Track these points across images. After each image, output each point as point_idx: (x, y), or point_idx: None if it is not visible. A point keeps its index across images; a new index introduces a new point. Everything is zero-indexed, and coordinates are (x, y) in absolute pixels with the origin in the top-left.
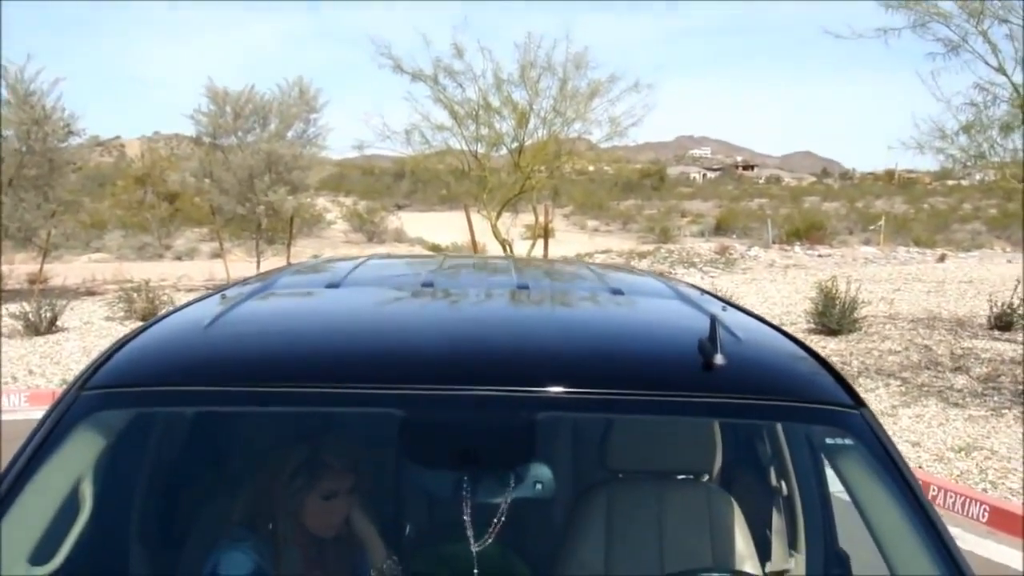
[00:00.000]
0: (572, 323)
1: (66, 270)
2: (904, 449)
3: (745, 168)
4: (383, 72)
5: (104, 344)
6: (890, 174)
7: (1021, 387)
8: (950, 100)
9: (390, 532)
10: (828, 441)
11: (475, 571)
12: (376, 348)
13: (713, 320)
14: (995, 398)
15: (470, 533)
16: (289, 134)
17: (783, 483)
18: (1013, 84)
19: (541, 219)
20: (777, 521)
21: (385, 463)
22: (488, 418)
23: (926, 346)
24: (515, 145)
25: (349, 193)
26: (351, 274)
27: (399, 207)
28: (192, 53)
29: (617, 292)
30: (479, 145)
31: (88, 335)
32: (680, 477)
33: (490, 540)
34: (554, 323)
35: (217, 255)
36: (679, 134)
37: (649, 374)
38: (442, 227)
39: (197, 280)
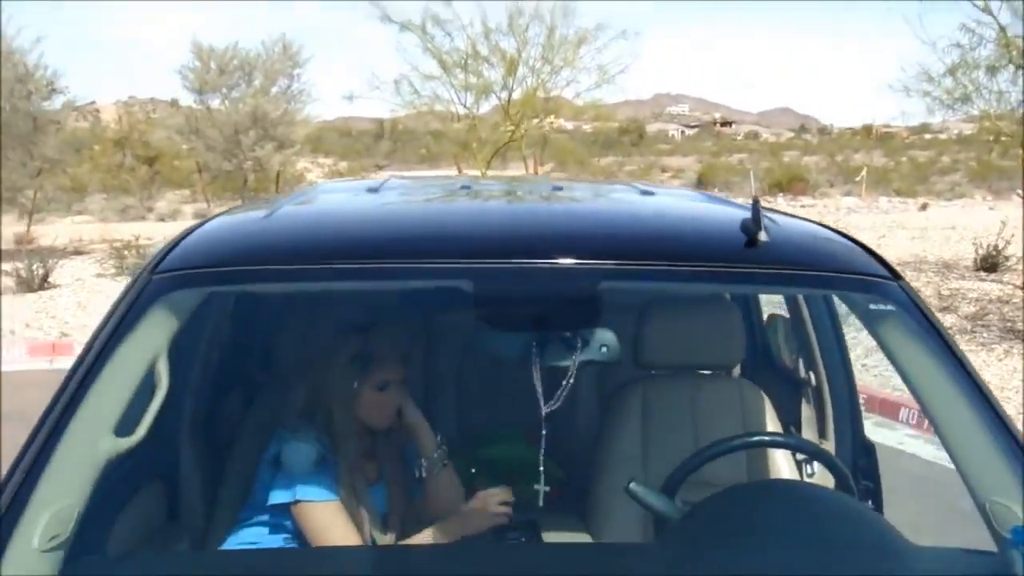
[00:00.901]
0: (619, 208)
1: (51, 231)
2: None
3: (723, 124)
4: (367, 29)
5: (97, 299)
6: (868, 129)
7: (1008, 324)
8: (935, 43)
9: (449, 419)
10: (872, 307)
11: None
12: (445, 226)
13: (755, 204)
14: (984, 335)
15: (540, 395)
16: (273, 90)
17: (811, 374)
18: (999, 24)
19: (531, 170)
20: (806, 411)
21: (447, 346)
22: (552, 287)
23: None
24: (504, 94)
25: (328, 154)
26: (386, 183)
27: (379, 167)
28: (171, 15)
29: (650, 193)
30: (468, 95)
31: (81, 291)
32: (709, 372)
33: (558, 403)
34: (602, 208)
35: (201, 215)
36: (656, 92)
37: (699, 247)
38: None
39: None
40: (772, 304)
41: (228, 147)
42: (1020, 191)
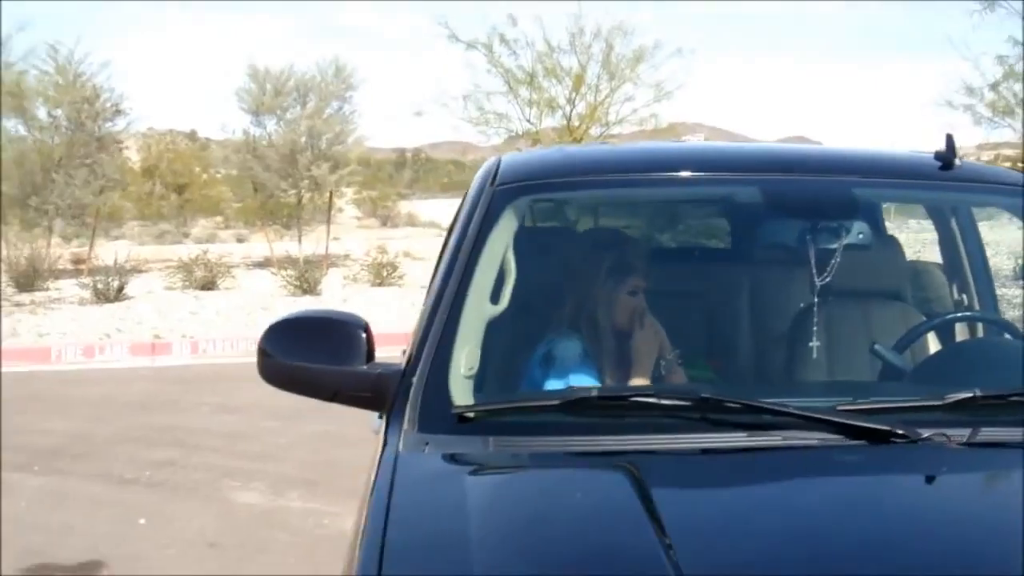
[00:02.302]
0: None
1: (99, 253)
2: None
3: None
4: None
5: (174, 309)
6: None
7: None
8: (977, 59)
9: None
10: None
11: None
12: (733, 150)
13: (949, 139)
14: None
15: (814, 270)
16: (327, 112)
17: (964, 296)
18: None
19: None
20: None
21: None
22: (823, 191)
23: None
24: (567, 108)
25: (349, 184)
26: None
27: (400, 196)
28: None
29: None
30: (531, 110)
31: (155, 301)
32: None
33: (829, 276)
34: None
35: (240, 240)
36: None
37: (913, 165)
38: (451, 212)
39: (236, 258)
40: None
41: (283, 166)
42: None
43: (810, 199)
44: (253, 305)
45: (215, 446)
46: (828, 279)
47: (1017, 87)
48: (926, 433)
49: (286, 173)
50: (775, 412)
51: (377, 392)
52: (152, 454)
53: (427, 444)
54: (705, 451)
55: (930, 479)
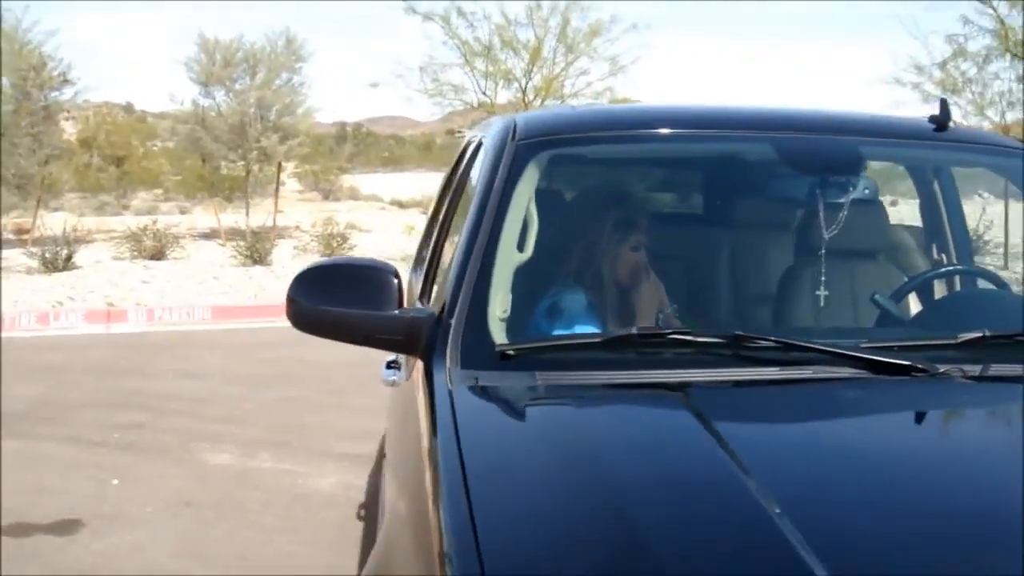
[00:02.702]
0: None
1: (40, 223)
2: None
3: None
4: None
5: (124, 278)
6: None
7: None
8: (927, 38)
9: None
10: None
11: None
12: (748, 112)
13: (944, 103)
14: None
15: (823, 222)
16: (276, 83)
17: (943, 257)
18: (998, 16)
19: None
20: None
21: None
22: (833, 149)
23: None
24: (523, 81)
25: (298, 156)
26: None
27: (341, 170)
28: (125, 21)
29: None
30: (487, 83)
31: (105, 271)
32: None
33: (838, 228)
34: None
35: (183, 212)
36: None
37: (906, 129)
38: (393, 186)
39: (181, 230)
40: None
41: (232, 137)
42: None
43: (820, 156)
44: (204, 275)
45: (181, 410)
46: (835, 232)
47: (965, 66)
48: (943, 368)
49: (235, 144)
50: (804, 349)
51: (410, 335)
52: (119, 418)
53: (476, 379)
54: (738, 383)
55: (950, 406)
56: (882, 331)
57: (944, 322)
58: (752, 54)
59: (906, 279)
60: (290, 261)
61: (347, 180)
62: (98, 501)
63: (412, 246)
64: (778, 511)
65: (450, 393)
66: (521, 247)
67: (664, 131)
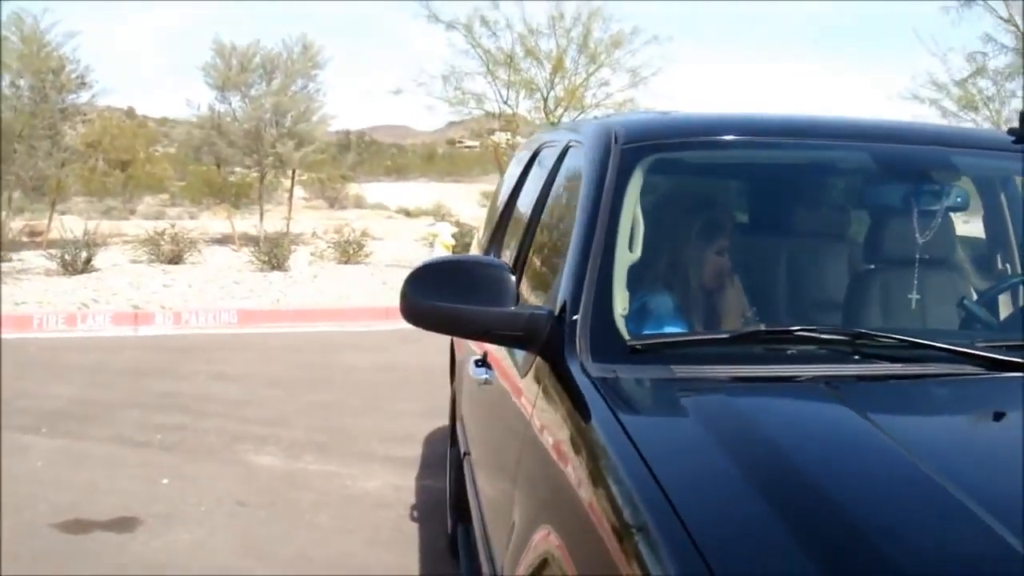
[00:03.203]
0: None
1: (52, 226)
2: None
3: None
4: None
5: (144, 281)
6: None
7: None
8: (945, 55)
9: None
10: None
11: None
12: (838, 120)
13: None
14: None
15: (916, 228)
16: (292, 89)
17: (1007, 267)
18: (1021, 31)
19: None
20: None
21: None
22: (926, 160)
23: None
24: (547, 91)
25: (313, 163)
26: None
27: (343, 178)
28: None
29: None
30: (508, 92)
31: (123, 273)
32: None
33: (930, 235)
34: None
35: (192, 217)
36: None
37: (995, 141)
38: (398, 195)
39: (194, 234)
40: None
41: (248, 143)
42: None
43: (915, 165)
44: (224, 279)
45: (220, 412)
46: (929, 237)
47: (983, 83)
48: None
49: (250, 150)
50: (925, 347)
51: (529, 331)
52: (159, 418)
53: (615, 371)
54: (867, 377)
55: None
56: (983, 333)
57: None
58: (770, 68)
59: (971, 288)
60: (307, 267)
61: (353, 188)
62: (150, 500)
63: (425, 254)
64: (963, 495)
65: (595, 384)
66: (631, 248)
67: (760, 139)
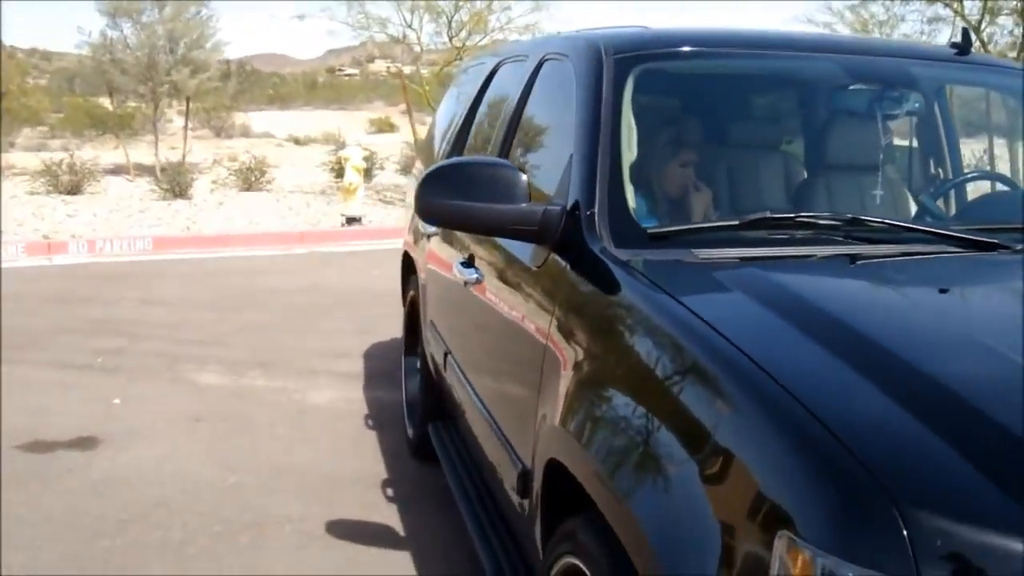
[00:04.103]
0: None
1: None
2: None
3: None
4: None
5: (47, 211)
6: None
7: None
8: None
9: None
10: None
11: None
12: (811, 36)
13: (965, 33)
14: None
15: (880, 129)
16: (185, 16)
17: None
18: None
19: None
20: None
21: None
22: (890, 69)
23: None
24: (452, 14)
25: (208, 90)
26: None
27: (229, 107)
28: None
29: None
30: (413, 16)
31: (25, 205)
32: None
33: (888, 136)
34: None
35: (66, 149)
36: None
37: (938, 53)
38: (283, 124)
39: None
40: None
41: (141, 71)
42: None
43: (881, 75)
44: (129, 208)
45: (156, 334)
46: (889, 139)
47: (875, 8)
48: (1020, 246)
49: (144, 78)
50: (912, 230)
51: (543, 226)
52: (95, 343)
53: (642, 256)
54: (854, 257)
55: None
56: (941, 222)
57: (991, 214)
58: None
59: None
60: (210, 195)
61: (239, 118)
62: (105, 419)
63: (326, 179)
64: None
65: (628, 266)
66: (629, 149)
67: (743, 49)
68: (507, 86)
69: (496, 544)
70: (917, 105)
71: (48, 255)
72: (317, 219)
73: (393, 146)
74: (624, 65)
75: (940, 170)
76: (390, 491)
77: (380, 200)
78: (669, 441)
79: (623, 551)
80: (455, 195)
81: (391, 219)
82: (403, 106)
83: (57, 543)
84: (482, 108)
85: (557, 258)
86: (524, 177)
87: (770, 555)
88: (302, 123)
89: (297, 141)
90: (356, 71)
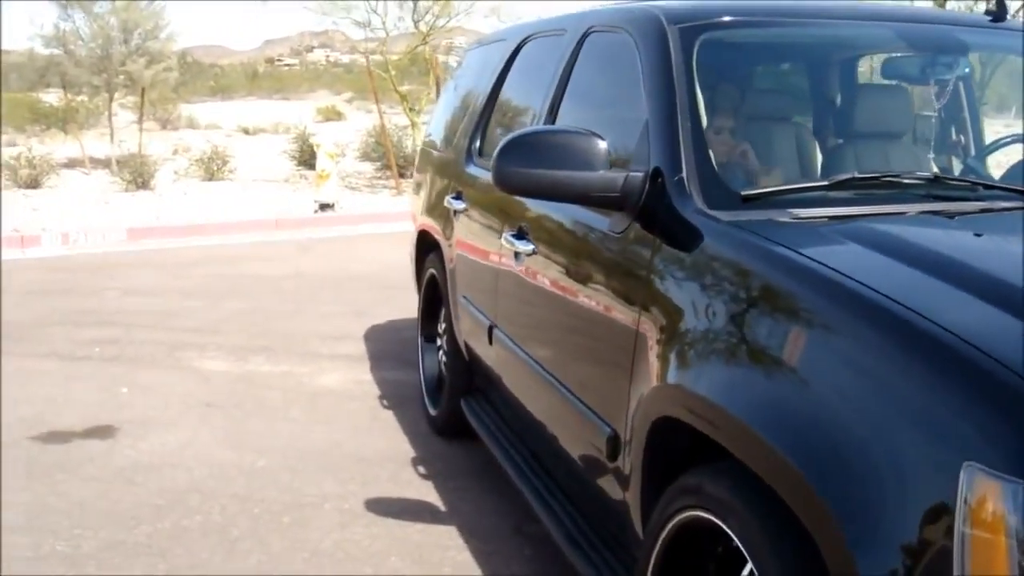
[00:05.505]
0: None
1: None
2: None
3: None
4: None
5: (10, 205)
6: None
7: None
8: None
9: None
10: None
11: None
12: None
13: (1000, 2)
14: None
15: (934, 94)
16: (138, 6)
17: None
18: None
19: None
20: None
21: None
22: (937, 37)
23: None
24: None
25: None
26: None
27: (174, 99)
28: None
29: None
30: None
31: None
32: None
33: (946, 98)
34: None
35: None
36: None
37: (977, 21)
38: (228, 114)
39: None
40: None
41: (94, 61)
42: None
43: (934, 42)
44: (92, 200)
45: (148, 323)
46: (944, 102)
47: None
48: None
49: (99, 69)
50: (991, 187)
51: (625, 192)
52: (88, 333)
53: (738, 217)
54: (936, 212)
55: None
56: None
57: None
58: None
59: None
60: (173, 185)
61: (185, 109)
62: (116, 408)
63: (289, 168)
64: None
65: (733, 226)
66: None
67: (801, 19)
68: (543, 60)
69: (557, 506)
70: (967, 70)
71: (22, 248)
72: (287, 207)
73: (344, 134)
74: (690, 34)
75: (962, 137)
76: (422, 468)
77: (347, 187)
78: (824, 390)
79: (766, 498)
80: (533, 164)
81: (360, 205)
82: (348, 94)
83: (98, 531)
84: (511, 83)
85: (639, 224)
86: (604, 144)
87: (955, 488)
88: (247, 114)
89: (247, 131)
90: (295, 61)
